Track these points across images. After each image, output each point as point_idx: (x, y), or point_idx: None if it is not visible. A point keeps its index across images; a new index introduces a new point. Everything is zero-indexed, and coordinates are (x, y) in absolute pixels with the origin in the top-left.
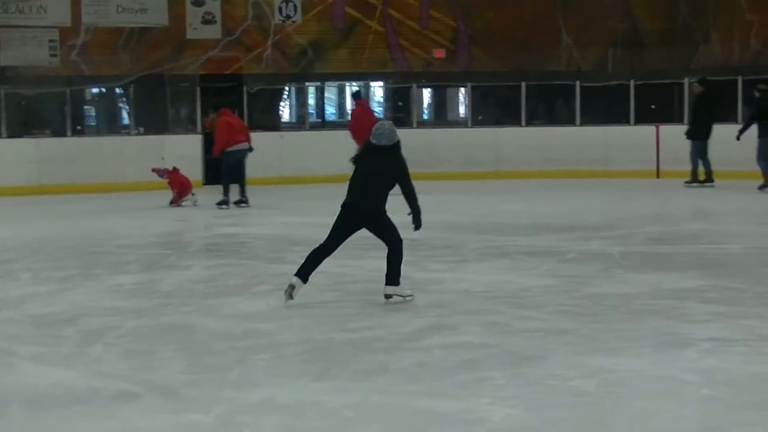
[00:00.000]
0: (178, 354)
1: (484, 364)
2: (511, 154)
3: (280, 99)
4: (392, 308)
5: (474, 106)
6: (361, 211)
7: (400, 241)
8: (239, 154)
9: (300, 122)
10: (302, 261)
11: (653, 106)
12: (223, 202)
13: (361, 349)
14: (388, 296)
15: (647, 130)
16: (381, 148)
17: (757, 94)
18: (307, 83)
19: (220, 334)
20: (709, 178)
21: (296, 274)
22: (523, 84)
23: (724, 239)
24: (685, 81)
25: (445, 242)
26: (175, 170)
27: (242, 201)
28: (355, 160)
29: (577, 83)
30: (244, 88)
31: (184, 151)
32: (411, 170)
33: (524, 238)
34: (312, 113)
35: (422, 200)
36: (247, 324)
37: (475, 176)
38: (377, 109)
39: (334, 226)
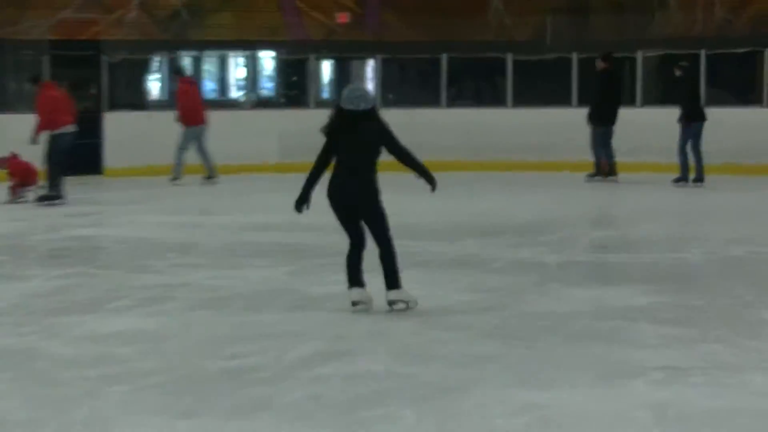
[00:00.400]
0: (14, 385)
1: (391, 397)
2: (429, 140)
3: (147, 72)
4: (278, 329)
5: (385, 82)
6: (355, 194)
7: (391, 238)
8: (69, 137)
9: (172, 100)
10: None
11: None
12: (52, 197)
13: (238, 380)
14: (392, 302)
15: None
16: (361, 114)
17: (678, 73)
18: (181, 53)
19: (67, 361)
20: (612, 171)
21: (349, 287)
22: (445, 56)
23: (680, 246)
24: (639, 54)
25: (344, 248)
26: (14, 156)
27: (52, 197)
28: (330, 133)
29: (509, 56)
30: (103, 58)
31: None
32: (302, 161)
33: (442, 244)
34: None
35: (315, 196)
36: (100, 348)
37: (383, 167)
38: (267, 85)
39: (341, 222)
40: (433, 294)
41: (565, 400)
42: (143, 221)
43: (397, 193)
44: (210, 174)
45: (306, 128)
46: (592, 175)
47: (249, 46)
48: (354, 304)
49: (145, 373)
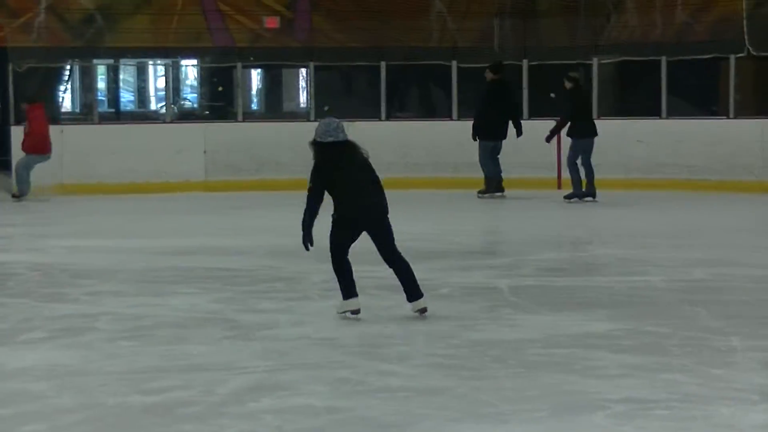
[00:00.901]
0: None
1: None
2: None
3: (58, 81)
4: (207, 361)
5: (318, 92)
6: (368, 216)
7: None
8: None
9: (86, 112)
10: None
11: (552, 95)
12: None
13: (165, 417)
14: (423, 311)
15: (544, 126)
16: (344, 144)
17: (569, 85)
18: (95, 60)
19: None
20: (498, 187)
21: (346, 297)
22: (383, 64)
23: (640, 269)
24: (594, 61)
25: (278, 274)
26: None
27: None
28: (322, 169)
29: (454, 63)
30: (9, 67)
31: None
32: (235, 178)
33: (383, 268)
34: (102, 100)
35: (244, 217)
36: (12, 384)
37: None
38: (191, 96)
39: (333, 235)
40: (373, 322)
41: None
42: (57, 245)
43: (331, 212)
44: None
45: (233, 142)
46: (482, 192)
47: (169, 52)
48: (355, 312)
49: (64, 411)
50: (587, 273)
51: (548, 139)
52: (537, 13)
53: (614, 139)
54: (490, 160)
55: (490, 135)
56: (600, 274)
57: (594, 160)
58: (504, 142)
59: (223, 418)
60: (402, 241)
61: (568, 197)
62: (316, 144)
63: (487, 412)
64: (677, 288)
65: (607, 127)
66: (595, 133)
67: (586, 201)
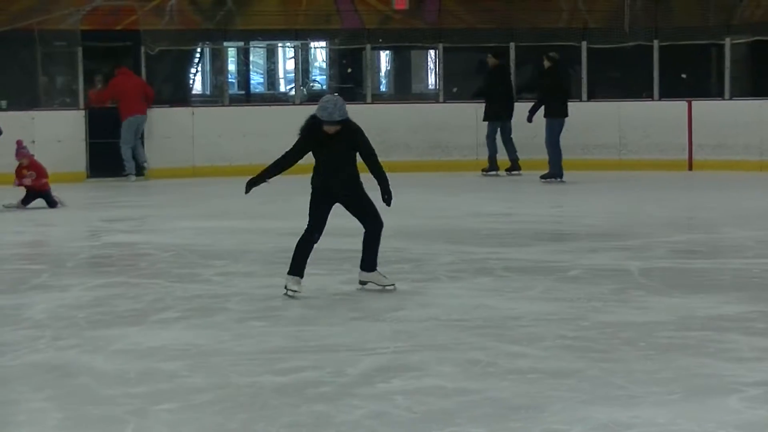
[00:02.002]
0: (52, 404)
1: (460, 416)
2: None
3: (190, 64)
4: (336, 342)
5: (447, 74)
6: (340, 190)
7: (381, 224)
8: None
9: (216, 95)
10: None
11: (684, 76)
12: None
13: (296, 397)
14: (363, 283)
15: (676, 107)
16: (337, 125)
17: (547, 64)
18: (225, 43)
19: (110, 377)
20: (514, 166)
21: (290, 273)
22: (512, 45)
23: None
24: (726, 42)
25: (406, 255)
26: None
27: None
28: (311, 143)
29: (584, 44)
30: (142, 49)
31: (61, 131)
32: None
33: (512, 250)
34: (233, 83)
35: (372, 198)
36: (145, 363)
37: (447, 166)
38: (320, 78)
39: (311, 205)
40: (501, 304)
41: (650, 419)
42: (188, 226)
43: (460, 194)
44: None
45: (362, 124)
46: (486, 170)
47: (299, 35)
48: (292, 291)
49: (196, 390)
50: (719, 255)
51: (529, 119)
52: None
53: (748, 120)
54: (492, 140)
55: (494, 116)
56: (732, 257)
57: (728, 140)
58: (632, 124)
59: (354, 399)
60: (531, 223)
61: (545, 177)
62: (310, 118)
63: (618, 394)
64: None
65: (740, 108)
66: (566, 114)
67: (560, 182)
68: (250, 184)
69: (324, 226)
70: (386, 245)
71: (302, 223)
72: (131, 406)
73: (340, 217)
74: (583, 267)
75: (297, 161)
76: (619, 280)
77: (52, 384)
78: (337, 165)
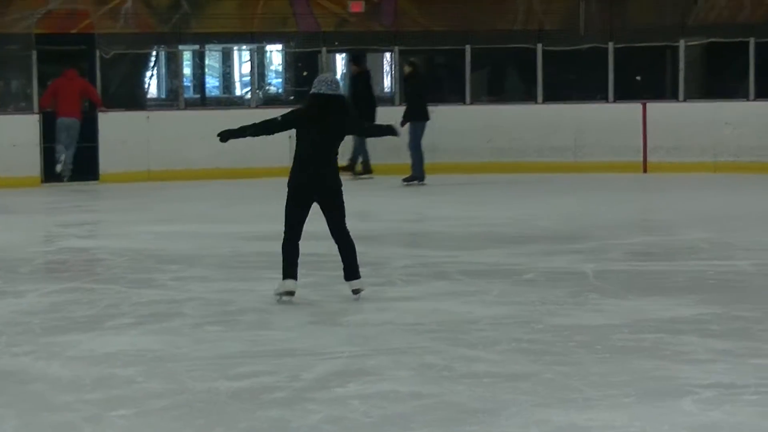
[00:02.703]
0: (8, 411)
1: (416, 420)
2: (450, 140)
3: (145, 67)
4: (293, 346)
5: (403, 77)
6: (322, 184)
7: (353, 243)
8: None
9: (172, 98)
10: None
11: (638, 78)
12: None
13: (252, 402)
14: (357, 291)
15: (631, 109)
16: (335, 99)
17: (408, 70)
18: (181, 46)
19: (65, 384)
20: (366, 169)
21: (285, 277)
22: (468, 48)
23: (729, 253)
24: (681, 43)
25: (362, 258)
26: None
27: None
28: (305, 119)
29: (539, 47)
30: (97, 53)
31: (16, 136)
32: None
33: (467, 253)
34: (188, 86)
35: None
36: (101, 369)
37: (401, 170)
38: (276, 81)
39: (288, 207)
40: (457, 308)
41: (606, 422)
42: (143, 231)
43: (415, 197)
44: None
45: None
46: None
47: (254, 38)
48: (288, 294)
49: (151, 396)
50: (674, 257)
51: (402, 124)
52: None
53: (702, 122)
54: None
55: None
56: (687, 259)
57: (683, 142)
58: (587, 127)
59: (310, 404)
60: (487, 227)
61: (408, 180)
62: (310, 96)
63: (574, 397)
64: (767, 272)
65: (695, 110)
66: (427, 118)
67: (422, 185)
68: (227, 134)
69: (301, 232)
70: None
71: (260, 226)
72: (87, 413)
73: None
74: (539, 270)
75: (281, 131)
76: (575, 283)
77: (6, 390)
78: (321, 153)
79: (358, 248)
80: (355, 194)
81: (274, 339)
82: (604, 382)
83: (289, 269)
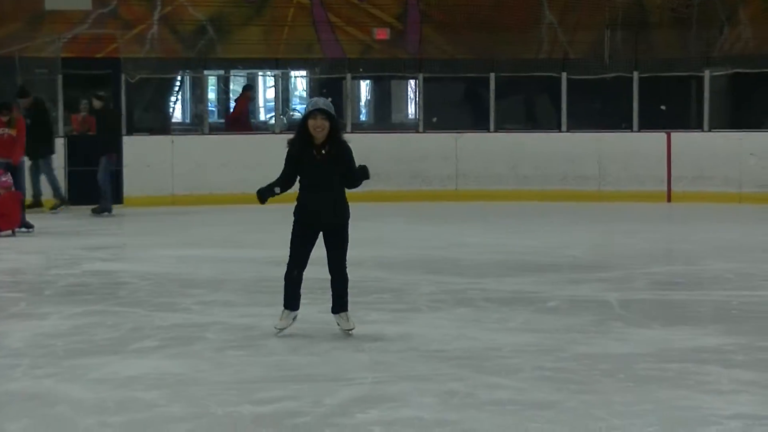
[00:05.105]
0: None
1: None
2: (475, 168)
3: (170, 92)
4: (315, 372)
5: (427, 104)
6: (336, 212)
7: (347, 279)
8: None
9: (196, 123)
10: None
11: (663, 107)
12: None
13: (274, 428)
14: (350, 330)
15: (655, 139)
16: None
17: (97, 105)
18: (206, 71)
19: (88, 407)
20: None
21: (285, 308)
22: (492, 76)
23: (754, 284)
24: (706, 74)
25: (386, 285)
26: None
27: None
28: (296, 151)
29: (564, 75)
30: (122, 77)
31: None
32: None
33: (492, 281)
34: (213, 111)
35: (352, 228)
36: (123, 392)
37: (426, 197)
38: (300, 107)
39: (293, 241)
40: (480, 335)
41: None
42: (167, 255)
43: (440, 225)
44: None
45: None
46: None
47: (279, 64)
48: (278, 328)
49: (174, 419)
50: (698, 287)
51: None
52: (649, 25)
53: (727, 152)
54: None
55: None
56: (712, 289)
57: (707, 172)
58: (611, 156)
59: (332, 429)
60: (511, 254)
61: (97, 212)
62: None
63: (598, 426)
64: None
65: (719, 140)
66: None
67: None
68: (263, 195)
69: (306, 263)
70: (367, 275)
71: (283, 252)
72: None
73: (317, 248)
74: (563, 298)
75: (295, 174)
76: (599, 311)
77: (29, 413)
78: (324, 184)
79: (382, 274)
80: (377, 221)
81: (297, 364)
82: (627, 411)
83: (290, 300)
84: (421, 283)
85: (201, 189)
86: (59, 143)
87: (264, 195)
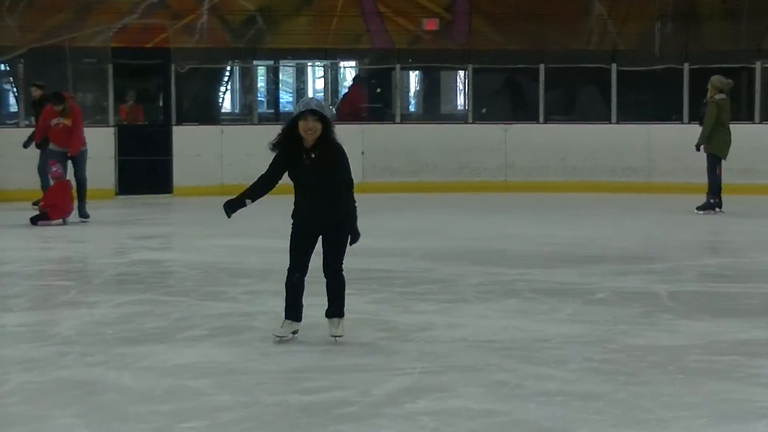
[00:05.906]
0: (79, 421)
1: None
2: (524, 159)
3: (219, 82)
4: (363, 361)
5: (476, 95)
6: (322, 215)
7: (344, 281)
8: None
9: (246, 113)
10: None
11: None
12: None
13: (322, 417)
14: (339, 336)
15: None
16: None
17: (37, 93)
18: (255, 61)
19: (137, 394)
20: None
21: (287, 317)
22: (542, 67)
23: None
24: (757, 65)
25: (434, 276)
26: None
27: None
28: (283, 151)
29: (613, 67)
30: (172, 67)
31: (91, 148)
32: (391, 180)
33: (540, 272)
34: (262, 101)
35: (400, 218)
36: (171, 381)
37: (475, 188)
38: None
39: (292, 246)
40: (528, 326)
41: None
42: (215, 244)
43: (488, 215)
44: None
45: (391, 144)
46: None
47: (328, 54)
48: (278, 336)
49: (222, 408)
50: (748, 279)
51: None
52: (699, 17)
53: None
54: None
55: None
56: (761, 281)
57: (758, 165)
58: (661, 148)
59: (380, 419)
60: (560, 245)
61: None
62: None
63: (647, 418)
64: None
65: None
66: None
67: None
68: (232, 207)
69: (306, 268)
70: (415, 265)
71: None
72: (157, 424)
73: (366, 238)
74: (611, 289)
75: (276, 178)
76: (648, 303)
77: (79, 400)
78: (316, 189)
79: (430, 265)
80: (425, 212)
81: (346, 354)
82: (677, 403)
83: (290, 309)
84: (469, 274)
85: (250, 179)
86: (109, 133)
87: (232, 207)
